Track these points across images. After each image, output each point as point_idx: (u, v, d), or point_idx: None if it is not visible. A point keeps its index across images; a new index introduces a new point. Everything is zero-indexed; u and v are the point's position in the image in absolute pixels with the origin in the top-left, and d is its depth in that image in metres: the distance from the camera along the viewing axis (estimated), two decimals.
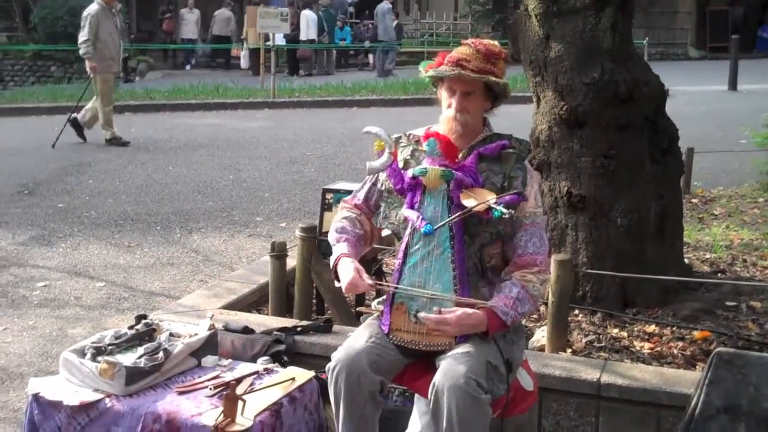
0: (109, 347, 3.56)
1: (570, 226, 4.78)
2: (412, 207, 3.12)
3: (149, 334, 3.73)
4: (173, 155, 11.74)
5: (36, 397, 3.44)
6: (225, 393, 3.28)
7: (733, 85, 18.89)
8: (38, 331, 5.38)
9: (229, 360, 3.75)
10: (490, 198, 3.00)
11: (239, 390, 3.35)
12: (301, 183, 9.90)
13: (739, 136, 10.54)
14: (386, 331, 3.09)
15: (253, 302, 5.04)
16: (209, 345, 3.73)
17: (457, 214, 3.02)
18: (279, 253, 4.75)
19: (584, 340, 4.36)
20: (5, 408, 4.36)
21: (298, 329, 4.21)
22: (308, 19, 23.08)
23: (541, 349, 4.26)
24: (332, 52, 25.08)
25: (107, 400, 3.37)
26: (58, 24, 22.51)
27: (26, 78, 23.12)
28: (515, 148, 3.15)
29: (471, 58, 3.10)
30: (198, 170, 10.68)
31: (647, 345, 4.31)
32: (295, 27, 22.79)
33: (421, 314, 3.01)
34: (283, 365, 3.80)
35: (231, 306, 4.79)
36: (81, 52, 12.13)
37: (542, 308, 4.68)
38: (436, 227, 3.03)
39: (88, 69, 12.35)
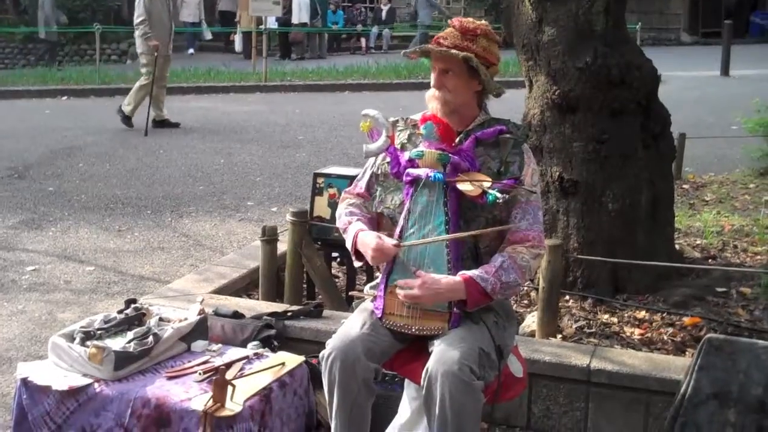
0: (99, 332, 3.55)
1: (561, 211, 4.78)
2: (408, 192, 3.11)
3: (139, 318, 3.71)
4: (164, 139, 11.69)
5: (25, 382, 3.43)
6: (214, 378, 3.27)
7: (725, 70, 18.89)
8: (27, 315, 5.36)
9: (219, 345, 3.73)
10: (485, 181, 2.99)
11: (229, 375, 3.34)
12: (292, 167, 9.87)
13: (731, 122, 10.54)
14: (379, 315, 3.08)
15: (243, 287, 5.04)
16: (199, 330, 3.72)
17: (461, 177, 2.98)
18: (270, 237, 4.74)
19: (574, 326, 4.36)
20: None
21: (289, 314, 4.20)
22: (300, 2, 22.96)
23: (532, 334, 4.26)
24: (324, 36, 24.98)
25: (96, 384, 3.35)
26: None
27: (17, 61, 22.99)
28: (512, 133, 3.13)
29: (448, 36, 3.12)
30: (189, 154, 10.64)
31: (637, 331, 4.31)
32: (287, 10, 22.67)
33: (397, 290, 3.00)
34: (273, 350, 3.80)
35: (221, 290, 4.78)
36: (138, 33, 11.88)
37: (533, 294, 4.69)
38: (447, 179, 3.01)
39: (139, 48, 12.18)
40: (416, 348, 3.08)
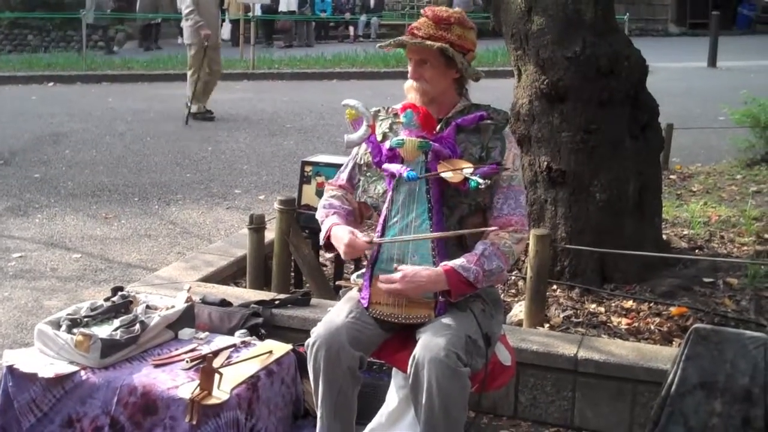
0: (85, 319, 3.54)
1: (549, 201, 4.78)
2: (390, 181, 3.10)
3: (125, 306, 3.70)
4: (151, 126, 11.64)
5: (10, 369, 3.42)
6: (202, 366, 3.26)
7: (712, 61, 18.96)
8: (13, 302, 5.33)
9: (206, 333, 3.73)
10: (466, 168, 2.98)
11: (216, 363, 3.33)
12: (280, 155, 9.85)
13: (718, 112, 10.57)
14: (366, 305, 3.07)
15: (230, 275, 5.03)
16: (186, 318, 3.71)
17: (442, 171, 2.98)
18: (257, 225, 4.73)
19: (562, 316, 4.37)
20: None
21: (276, 302, 4.19)
22: None
23: (519, 324, 4.27)
24: (312, 24, 24.90)
25: (82, 372, 3.34)
26: None
27: (2, 46, 22.84)
28: (493, 119, 3.13)
29: (422, 26, 3.10)
30: (176, 142, 10.60)
31: (624, 320, 4.32)
32: None
33: (379, 284, 3.00)
34: (261, 338, 3.79)
35: (208, 278, 4.77)
36: (189, 23, 11.58)
37: (520, 283, 4.69)
38: (420, 176, 3.01)
39: (187, 39, 11.92)
40: (403, 337, 3.08)
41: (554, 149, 4.73)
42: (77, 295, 5.41)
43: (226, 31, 23.89)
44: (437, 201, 3.05)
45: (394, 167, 3.06)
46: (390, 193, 3.10)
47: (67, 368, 3.36)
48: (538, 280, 4.19)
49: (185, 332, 3.67)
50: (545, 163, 4.74)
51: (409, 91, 3.14)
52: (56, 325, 3.50)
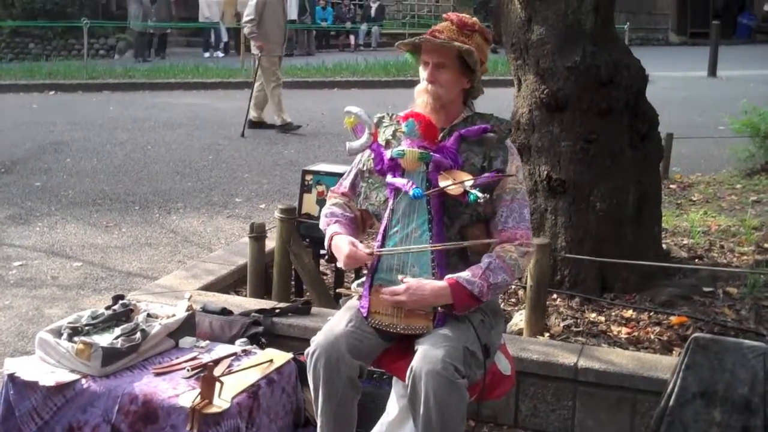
0: (86, 327, 3.54)
1: (549, 210, 4.79)
2: (392, 190, 3.10)
3: (126, 314, 3.71)
4: (152, 135, 11.67)
5: (11, 378, 3.42)
6: (202, 374, 3.26)
7: (712, 71, 19.00)
8: (14, 310, 5.34)
9: (207, 341, 3.73)
10: (467, 180, 2.98)
11: (217, 371, 3.33)
12: (281, 164, 9.86)
13: (718, 122, 10.59)
14: (365, 315, 3.08)
15: (231, 283, 5.03)
16: (187, 326, 3.71)
17: (444, 185, 2.98)
18: (258, 234, 4.74)
19: (562, 325, 4.37)
20: None
21: (277, 311, 4.20)
22: None
23: (519, 333, 4.27)
24: (313, 33, 24.95)
25: (83, 380, 3.35)
26: (37, 0, 22.30)
27: (4, 55, 22.89)
28: (496, 132, 3.13)
29: (444, 29, 3.09)
30: (177, 150, 10.62)
31: (624, 330, 4.33)
32: None
33: (383, 290, 3.00)
34: (261, 347, 3.80)
35: (209, 287, 4.78)
36: (246, 31, 11.69)
37: (520, 292, 4.70)
38: (426, 192, 3.01)
39: (254, 49, 11.95)
40: (403, 346, 3.08)
41: (554, 159, 4.74)
42: (78, 303, 5.42)
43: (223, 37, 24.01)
44: (437, 211, 3.05)
45: (399, 182, 3.06)
46: (391, 203, 3.10)
47: (68, 376, 3.37)
48: (538, 290, 4.19)
49: (186, 341, 3.68)
50: (545, 172, 4.75)
51: (420, 95, 3.11)
52: (57, 333, 3.50)
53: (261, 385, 3.40)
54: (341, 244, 3.11)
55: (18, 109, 13.85)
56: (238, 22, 19.17)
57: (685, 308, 4.53)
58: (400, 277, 3.01)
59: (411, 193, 3.00)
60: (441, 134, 3.11)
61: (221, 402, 3.20)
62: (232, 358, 3.56)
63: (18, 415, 3.39)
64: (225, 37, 23.36)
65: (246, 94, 16.33)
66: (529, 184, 4.80)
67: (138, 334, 3.50)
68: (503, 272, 2.99)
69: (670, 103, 11.40)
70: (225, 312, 4.11)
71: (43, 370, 3.42)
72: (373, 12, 26.05)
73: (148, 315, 3.71)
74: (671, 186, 7.85)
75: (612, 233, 4.72)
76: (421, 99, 3.12)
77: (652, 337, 4.25)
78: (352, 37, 25.99)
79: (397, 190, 3.07)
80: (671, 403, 3.20)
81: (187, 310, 3.76)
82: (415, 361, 2.87)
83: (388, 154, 3.12)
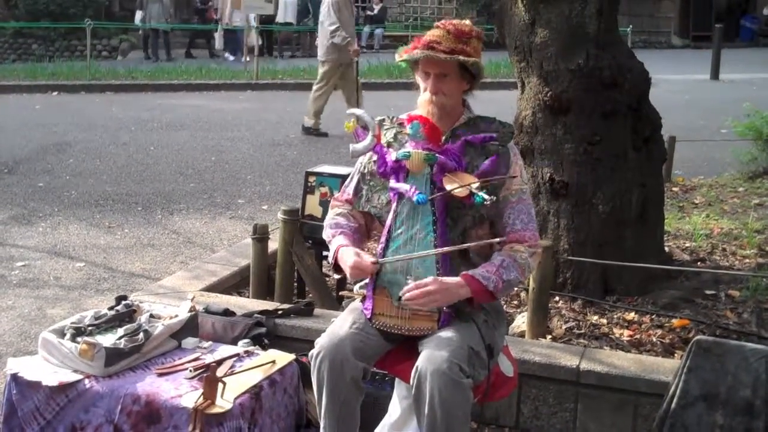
0: (89, 328, 3.55)
1: (552, 212, 4.79)
2: (395, 193, 3.11)
3: (129, 315, 3.71)
4: (155, 136, 11.68)
5: (14, 377, 3.43)
6: (205, 375, 3.27)
7: (715, 74, 18.99)
8: (17, 311, 5.34)
9: (210, 342, 3.74)
10: (473, 183, 2.99)
11: (219, 372, 3.34)
12: (283, 165, 9.87)
13: (721, 125, 10.58)
14: (369, 316, 3.08)
15: (233, 285, 5.03)
16: (189, 327, 3.72)
17: (449, 189, 2.99)
18: (261, 235, 4.74)
19: (564, 327, 4.37)
20: None
21: (279, 312, 4.20)
22: (287, 1, 22.86)
23: (522, 335, 4.27)
24: (315, 34, 24.92)
25: (86, 381, 3.35)
26: (40, 1, 22.33)
27: (7, 56, 22.93)
28: (499, 140, 3.13)
29: (441, 40, 3.08)
30: (180, 151, 10.63)
31: (626, 332, 4.33)
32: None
33: (406, 295, 2.96)
34: (264, 348, 3.80)
35: (211, 288, 4.78)
36: (337, 40, 11.32)
37: (523, 294, 4.70)
38: (430, 197, 3.02)
39: (331, 55, 11.65)
40: (407, 347, 3.09)
41: (557, 161, 4.74)
42: (80, 303, 5.43)
43: (218, 40, 23.95)
44: (441, 213, 3.05)
45: (402, 187, 3.07)
46: (394, 205, 3.10)
47: (71, 376, 3.37)
48: (541, 292, 4.20)
49: (189, 341, 3.68)
50: (548, 174, 4.75)
51: (425, 105, 3.12)
52: (60, 333, 3.51)
53: (263, 386, 3.41)
54: (346, 255, 3.11)
55: (21, 110, 13.86)
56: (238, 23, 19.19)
57: (687, 311, 4.53)
58: (411, 283, 3.00)
59: (414, 199, 3.01)
60: (444, 136, 3.12)
61: (224, 403, 3.20)
62: (234, 359, 3.57)
63: (21, 415, 3.40)
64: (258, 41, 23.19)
65: (249, 95, 16.45)
66: (531, 187, 4.80)
67: (141, 335, 3.50)
68: (515, 270, 3.03)
69: (673, 106, 11.40)
70: (227, 313, 4.11)
71: (46, 370, 3.43)
72: (375, 14, 26.02)
73: (151, 316, 3.72)
74: (673, 189, 7.85)
75: (614, 236, 4.72)
76: (425, 110, 3.13)
77: (654, 339, 4.25)
78: None
79: (401, 194, 3.08)
80: (673, 405, 3.21)
81: (190, 311, 3.77)
82: (420, 361, 2.88)
83: (393, 155, 3.13)
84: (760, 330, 4.32)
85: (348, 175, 3.43)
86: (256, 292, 4.76)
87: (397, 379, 3.25)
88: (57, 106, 14.56)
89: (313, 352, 3.03)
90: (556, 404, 3.82)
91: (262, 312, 4.18)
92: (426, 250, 3.02)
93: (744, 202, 7.33)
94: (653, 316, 4.48)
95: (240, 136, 11.75)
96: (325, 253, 5.02)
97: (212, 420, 3.16)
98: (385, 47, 24.48)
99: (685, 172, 8.89)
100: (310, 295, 4.78)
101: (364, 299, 3.15)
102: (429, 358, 2.87)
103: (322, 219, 4.53)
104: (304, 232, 4.77)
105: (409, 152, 3.08)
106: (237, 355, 3.61)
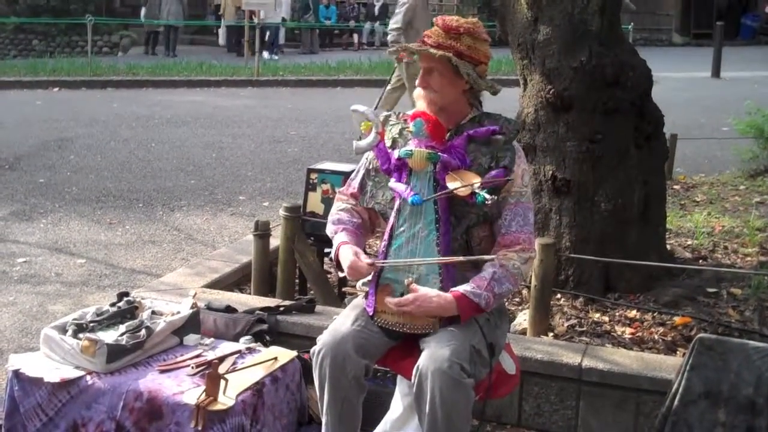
0: (91, 324, 3.55)
1: (554, 210, 4.79)
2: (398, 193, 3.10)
3: (131, 311, 3.71)
4: (156, 132, 11.67)
5: (16, 374, 3.43)
6: (207, 372, 3.27)
7: (716, 72, 18.97)
8: (18, 307, 5.34)
9: (211, 339, 3.74)
10: (475, 181, 2.98)
11: (221, 369, 3.34)
12: (284, 162, 9.87)
13: (722, 123, 10.59)
14: (371, 313, 3.08)
15: (235, 281, 5.03)
16: (191, 323, 3.71)
17: (446, 191, 2.99)
18: (263, 232, 4.74)
19: (566, 324, 4.38)
20: None
21: (281, 309, 4.20)
22: None
23: (523, 332, 4.27)
24: (316, 31, 24.92)
25: (88, 377, 3.35)
26: None
27: (7, 51, 22.91)
28: (505, 134, 3.12)
29: (432, 35, 3.10)
30: (180, 148, 10.62)
31: (628, 330, 4.33)
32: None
33: (387, 299, 3.00)
34: (266, 345, 3.80)
35: (213, 285, 4.78)
36: (389, 38, 11.38)
37: (525, 292, 4.70)
38: (425, 199, 3.01)
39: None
40: (409, 344, 3.08)
41: (559, 158, 4.74)
42: (82, 300, 5.43)
43: (221, 36, 23.94)
44: (444, 211, 3.04)
45: (398, 188, 3.07)
46: (397, 203, 3.09)
47: (72, 373, 3.37)
48: (543, 289, 4.19)
49: (190, 338, 3.68)
50: (550, 172, 4.75)
51: (418, 99, 3.14)
52: (62, 329, 3.51)
53: (265, 382, 3.41)
54: (344, 255, 3.11)
55: (22, 106, 13.86)
56: (239, 19, 19.14)
57: (689, 309, 4.53)
58: (407, 281, 3.00)
59: (409, 200, 3.00)
60: (448, 134, 3.12)
61: (226, 399, 3.20)
62: (236, 355, 3.57)
63: (22, 411, 3.40)
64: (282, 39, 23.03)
65: (250, 92, 16.44)
66: (533, 184, 4.80)
67: (143, 331, 3.50)
68: (507, 281, 3.01)
69: (674, 104, 11.37)
70: (229, 310, 4.11)
71: (47, 366, 3.43)
72: (376, 11, 26.00)
73: (153, 312, 3.71)
74: (675, 187, 7.85)
75: (616, 233, 4.72)
76: (419, 103, 3.14)
77: (656, 337, 4.25)
78: (355, 36, 25.99)
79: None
80: (676, 403, 3.20)
81: (192, 308, 3.76)
82: (422, 360, 2.87)
83: (395, 153, 3.12)
84: (762, 328, 4.32)
85: (350, 172, 3.42)
86: (258, 288, 4.77)
87: (399, 377, 3.24)
88: (58, 102, 14.56)
89: (315, 348, 3.03)
90: (558, 402, 3.82)
91: (263, 309, 4.18)
92: (427, 252, 3.01)
93: (745, 200, 7.32)
94: (655, 314, 4.48)
95: (241, 132, 11.75)
96: (327, 249, 5.02)
97: (214, 417, 3.16)
98: (385, 44, 24.44)
99: (687, 170, 8.89)
100: (312, 292, 4.78)
101: (366, 296, 3.15)
102: (430, 357, 2.87)
103: (324, 216, 4.55)
104: (306, 229, 4.77)
105: (411, 150, 3.07)
106: (239, 351, 3.61)
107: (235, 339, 3.81)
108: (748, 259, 5.36)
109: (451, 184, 3.00)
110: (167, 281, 4.82)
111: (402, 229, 3.07)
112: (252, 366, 3.48)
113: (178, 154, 10.20)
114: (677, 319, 4.40)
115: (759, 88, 16.01)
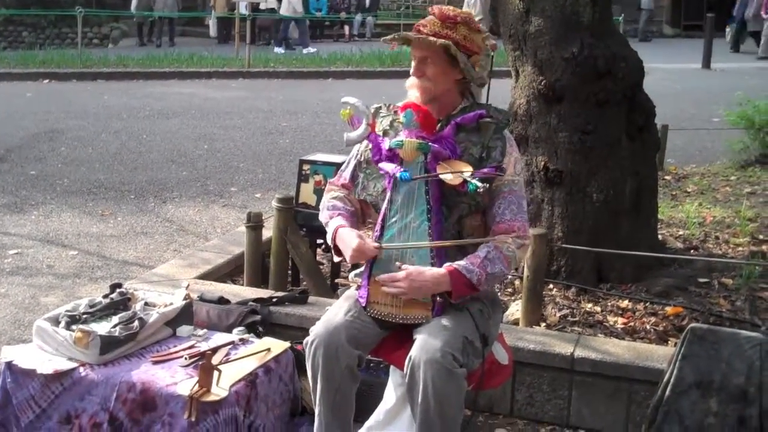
0: (84, 316, 3.54)
1: (546, 200, 4.80)
2: (389, 180, 3.10)
3: (124, 303, 3.70)
4: (147, 123, 11.65)
5: (9, 366, 3.42)
6: (200, 363, 3.26)
7: (707, 63, 18.99)
8: (10, 299, 5.33)
9: (205, 330, 3.73)
10: (465, 171, 2.98)
11: (214, 360, 3.34)
12: (276, 154, 9.86)
13: (712, 114, 10.62)
14: (364, 304, 3.08)
15: (227, 273, 5.03)
16: (184, 315, 3.71)
17: (436, 173, 2.98)
18: (255, 223, 4.73)
19: (558, 315, 4.39)
20: None
21: (274, 300, 4.21)
22: None
23: (516, 323, 4.28)
24: (306, 23, 24.85)
25: (81, 369, 3.35)
26: None
27: None
28: (493, 117, 3.12)
29: (428, 23, 3.09)
30: (172, 139, 10.61)
31: (620, 320, 4.34)
32: None
33: (380, 276, 2.99)
34: (259, 336, 3.80)
35: (206, 276, 4.78)
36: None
37: (517, 282, 4.71)
38: (414, 177, 3.01)
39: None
40: (401, 335, 3.08)
41: (551, 149, 4.75)
42: (74, 291, 5.42)
43: (211, 28, 23.89)
44: (436, 201, 3.04)
45: (388, 167, 3.06)
46: (389, 193, 3.09)
47: (65, 364, 3.37)
48: (535, 280, 4.20)
49: (183, 329, 3.68)
50: (542, 163, 4.75)
51: (411, 88, 3.12)
52: (55, 321, 3.50)
53: (258, 373, 3.41)
54: (348, 237, 3.09)
55: (12, 98, 13.80)
56: (231, 12, 19.09)
57: (680, 299, 4.55)
58: (398, 264, 3.01)
59: (398, 175, 2.99)
60: (439, 125, 3.11)
61: (219, 390, 3.20)
62: (229, 346, 3.57)
63: (15, 403, 3.39)
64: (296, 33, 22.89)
65: (241, 83, 16.40)
66: (526, 175, 4.81)
67: (136, 323, 3.50)
68: (500, 263, 3.00)
69: (665, 95, 11.38)
70: (222, 301, 4.11)
71: (40, 358, 3.42)
72: (367, 2, 25.96)
73: (146, 303, 3.71)
74: (666, 177, 7.87)
75: (608, 224, 4.74)
76: (411, 92, 3.13)
77: (648, 327, 4.27)
78: (346, 28, 25.94)
79: (395, 181, 3.07)
80: (667, 392, 3.22)
81: (185, 299, 3.76)
82: (414, 350, 2.88)
83: (386, 144, 3.12)
84: (754, 317, 4.34)
85: (342, 164, 3.42)
86: (251, 280, 4.77)
87: (392, 367, 3.25)
88: (48, 94, 14.51)
89: (308, 339, 3.03)
90: (551, 391, 3.83)
91: (256, 300, 4.18)
92: (421, 239, 3.02)
93: (736, 190, 7.35)
94: (647, 304, 4.50)
95: (232, 124, 11.73)
96: (319, 240, 5.03)
97: (208, 408, 3.16)
98: (377, 35, 24.42)
99: (678, 160, 8.91)
100: (305, 283, 4.78)
101: (358, 288, 3.15)
102: (422, 347, 2.87)
103: (317, 207, 4.55)
104: (299, 220, 4.77)
105: (402, 141, 3.07)
106: (232, 342, 3.61)
107: (228, 330, 3.81)
108: (739, 249, 5.38)
109: (442, 175, 2.99)
110: (160, 272, 4.82)
111: (394, 219, 3.07)
112: (245, 357, 3.48)
113: (169, 146, 10.18)
114: (669, 309, 4.42)
115: (749, 79, 16.04)
